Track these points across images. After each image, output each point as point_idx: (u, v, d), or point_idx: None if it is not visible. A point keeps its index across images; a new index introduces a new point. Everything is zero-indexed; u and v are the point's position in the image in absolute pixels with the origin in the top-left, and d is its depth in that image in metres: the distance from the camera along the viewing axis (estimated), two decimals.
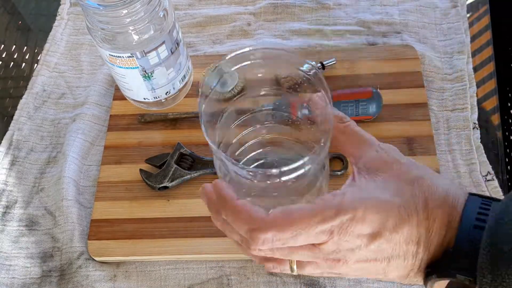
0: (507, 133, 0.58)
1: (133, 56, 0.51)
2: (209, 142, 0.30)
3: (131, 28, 0.49)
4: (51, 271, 0.52)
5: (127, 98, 0.60)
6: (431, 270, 0.31)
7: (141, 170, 0.54)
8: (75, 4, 0.73)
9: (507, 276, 0.26)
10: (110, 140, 0.59)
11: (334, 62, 0.60)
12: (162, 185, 0.52)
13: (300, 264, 0.34)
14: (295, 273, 0.34)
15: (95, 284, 0.50)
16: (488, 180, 0.53)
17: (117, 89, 0.61)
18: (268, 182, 0.32)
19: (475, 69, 0.61)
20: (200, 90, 0.33)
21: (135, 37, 0.50)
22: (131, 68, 0.52)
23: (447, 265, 0.30)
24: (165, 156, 0.54)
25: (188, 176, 0.53)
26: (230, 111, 0.37)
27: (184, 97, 0.60)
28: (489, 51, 0.63)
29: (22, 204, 0.56)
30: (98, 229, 0.52)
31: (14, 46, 0.68)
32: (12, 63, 0.66)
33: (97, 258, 0.51)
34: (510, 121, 0.59)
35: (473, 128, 0.56)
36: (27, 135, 0.61)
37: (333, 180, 0.51)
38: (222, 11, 0.70)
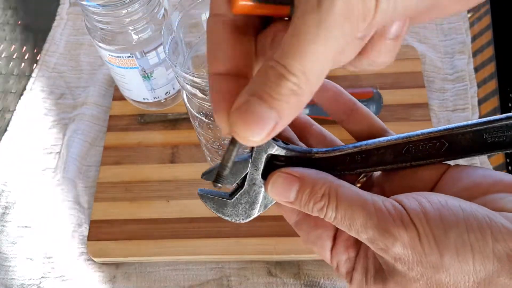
0: None
1: (132, 56, 0.50)
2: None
3: (130, 28, 0.48)
4: (50, 272, 0.52)
5: (127, 99, 0.60)
6: None
7: (202, 195, 0.28)
8: (74, 4, 0.72)
9: None
10: (109, 141, 0.58)
11: None
12: (251, 217, 0.28)
13: None
14: None
15: (94, 285, 0.50)
16: None
17: (116, 89, 0.61)
18: None
19: (476, 69, 0.61)
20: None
21: (135, 37, 0.49)
22: (130, 68, 0.52)
23: None
24: (238, 167, 0.27)
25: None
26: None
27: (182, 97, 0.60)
28: (490, 51, 0.62)
29: (21, 205, 0.56)
30: (98, 230, 0.52)
31: (13, 46, 0.67)
32: (11, 63, 0.66)
33: (96, 259, 0.51)
34: None
35: None
36: (26, 135, 0.61)
37: None
38: None
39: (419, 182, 0.26)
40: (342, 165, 0.27)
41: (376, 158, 0.26)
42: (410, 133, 0.26)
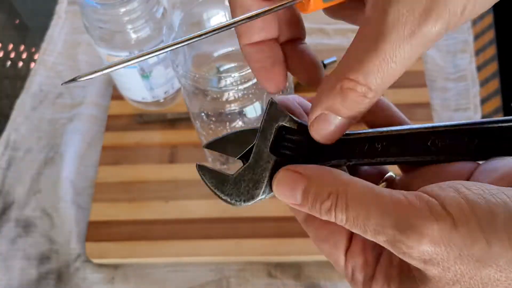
0: None
1: (131, 55, 0.50)
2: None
3: (129, 27, 0.48)
4: (48, 273, 0.51)
5: (125, 98, 0.59)
6: None
7: (201, 167, 0.24)
8: (72, 3, 0.72)
9: None
10: (108, 141, 0.58)
11: (336, 61, 0.59)
12: (255, 200, 0.24)
13: None
14: None
15: (92, 286, 0.50)
16: None
17: (115, 89, 0.60)
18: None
19: (478, 68, 0.60)
20: None
21: (133, 36, 0.49)
22: (129, 67, 0.51)
23: None
24: (245, 137, 0.25)
25: None
26: None
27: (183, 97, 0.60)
28: (492, 50, 0.62)
29: (19, 206, 0.56)
30: (96, 231, 0.52)
31: (11, 45, 0.67)
32: (9, 62, 0.65)
33: (94, 260, 0.51)
34: None
35: None
36: (24, 135, 0.61)
37: None
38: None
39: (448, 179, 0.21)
40: (360, 152, 0.23)
41: (398, 148, 0.23)
42: (435, 124, 0.24)
